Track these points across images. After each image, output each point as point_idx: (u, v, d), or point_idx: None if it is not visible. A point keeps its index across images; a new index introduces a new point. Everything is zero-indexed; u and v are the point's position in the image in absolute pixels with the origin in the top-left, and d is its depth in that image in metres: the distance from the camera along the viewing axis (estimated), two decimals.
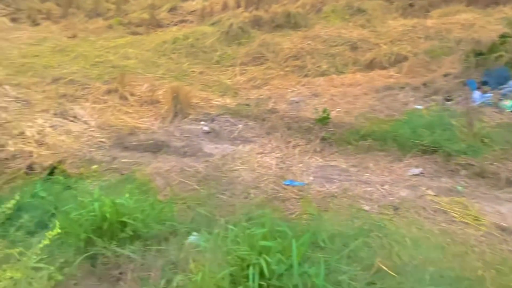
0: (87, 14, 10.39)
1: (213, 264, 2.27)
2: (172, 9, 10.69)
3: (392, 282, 2.51)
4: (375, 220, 3.43)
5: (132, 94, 6.46)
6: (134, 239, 3.22)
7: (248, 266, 2.12)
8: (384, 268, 2.60)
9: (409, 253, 2.89)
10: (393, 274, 2.56)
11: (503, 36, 6.20)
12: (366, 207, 3.76)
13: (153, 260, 3.05)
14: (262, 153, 4.92)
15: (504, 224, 3.41)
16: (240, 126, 5.53)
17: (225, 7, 10.45)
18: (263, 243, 2.20)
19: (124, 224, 3.19)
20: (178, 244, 3.20)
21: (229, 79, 7.24)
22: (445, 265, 2.73)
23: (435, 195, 3.84)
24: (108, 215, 3.10)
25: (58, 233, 3.27)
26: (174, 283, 2.46)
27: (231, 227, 2.55)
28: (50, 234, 2.59)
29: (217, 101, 6.46)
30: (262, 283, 2.10)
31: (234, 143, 5.17)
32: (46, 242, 2.62)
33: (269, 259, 2.11)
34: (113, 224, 3.13)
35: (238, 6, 10.50)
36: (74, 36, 9.08)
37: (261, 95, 6.63)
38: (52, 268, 3.00)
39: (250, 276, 2.05)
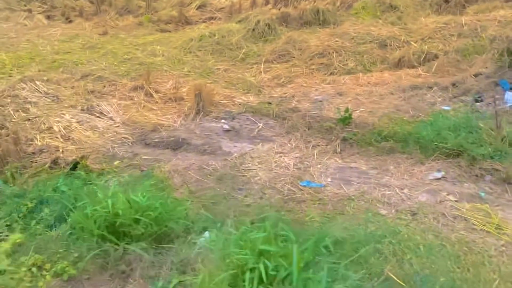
0: (118, 12, 10.61)
1: (214, 266, 2.27)
2: (201, 6, 10.77)
3: None
4: (390, 225, 3.33)
5: (157, 91, 6.55)
6: (146, 236, 3.26)
7: (248, 270, 2.11)
8: (393, 276, 2.52)
9: (422, 261, 2.79)
10: (401, 283, 2.47)
11: None
12: (383, 212, 3.66)
13: (163, 258, 3.08)
14: (280, 152, 4.88)
15: None
16: (260, 125, 5.51)
17: (253, 4, 10.43)
18: (263, 247, 2.18)
19: (137, 221, 3.24)
20: (189, 243, 3.22)
21: (253, 76, 7.22)
22: (458, 275, 2.62)
23: (456, 201, 3.69)
24: (120, 212, 3.15)
25: (73, 228, 3.40)
26: (173, 283, 2.48)
27: (231, 230, 2.53)
28: (13, 238, 2.66)
29: (240, 99, 6.45)
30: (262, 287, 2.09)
31: (253, 142, 5.15)
32: (7, 245, 2.69)
33: (269, 264, 2.08)
34: (125, 221, 3.18)
35: (267, 3, 10.47)
36: (104, 33, 9.29)
37: (284, 93, 6.57)
38: (65, 262, 3.11)
39: (246, 281, 2.04)
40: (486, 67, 5.90)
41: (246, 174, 4.48)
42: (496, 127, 4.37)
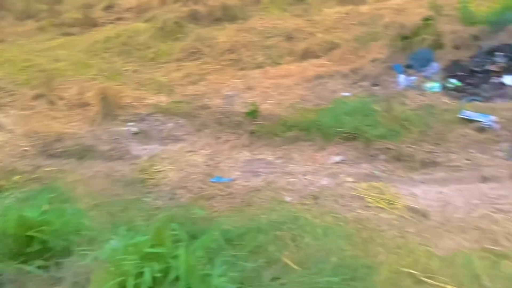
0: (18, 17, 9.91)
1: (103, 276, 2.22)
2: (108, 7, 10.34)
3: (294, 276, 2.52)
4: (292, 211, 3.45)
5: (60, 98, 6.23)
6: (44, 252, 3.10)
7: (133, 275, 2.08)
8: (288, 262, 2.62)
9: (318, 243, 2.92)
10: (296, 267, 2.57)
11: (426, 19, 6.37)
12: (288, 199, 3.78)
13: (62, 273, 2.95)
14: (191, 151, 4.87)
15: (415, 206, 3.50)
16: (170, 124, 5.44)
17: (163, 2, 10.21)
18: (149, 250, 2.16)
19: (31, 238, 3.07)
20: (90, 255, 3.10)
21: (164, 76, 7.08)
22: (349, 253, 2.77)
23: (354, 182, 3.91)
24: (10, 231, 2.97)
25: None
26: None
27: (113, 237, 2.49)
28: None
29: (151, 99, 6.30)
30: None
31: (163, 143, 5.09)
32: None
33: (155, 267, 2.08)
34: (17, 240, 3.00)
35: (176, 1, 10.29)
36: (1, 41, 8.65)
37: (197, 91, 6.51)
38: None
39: (130, 286, 2.01)
40: (382, 53, 6.27)
41: (155, 177, 4.42)
42: (388, 109, 4.67)
